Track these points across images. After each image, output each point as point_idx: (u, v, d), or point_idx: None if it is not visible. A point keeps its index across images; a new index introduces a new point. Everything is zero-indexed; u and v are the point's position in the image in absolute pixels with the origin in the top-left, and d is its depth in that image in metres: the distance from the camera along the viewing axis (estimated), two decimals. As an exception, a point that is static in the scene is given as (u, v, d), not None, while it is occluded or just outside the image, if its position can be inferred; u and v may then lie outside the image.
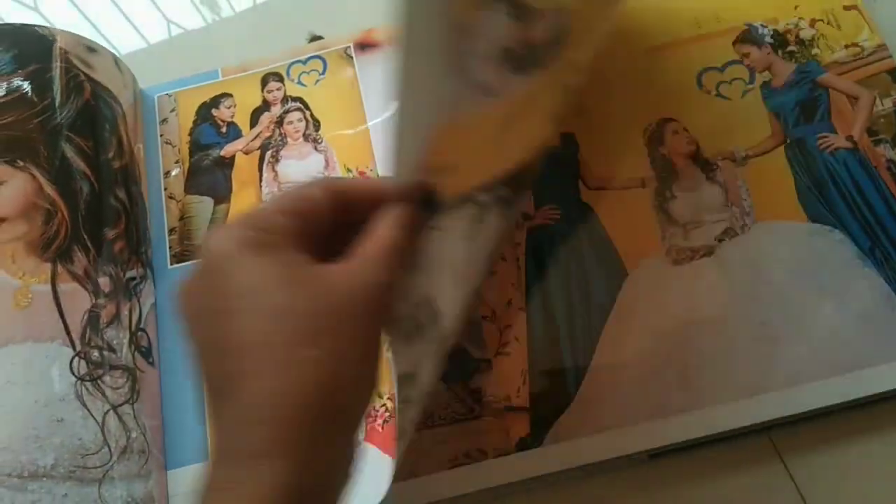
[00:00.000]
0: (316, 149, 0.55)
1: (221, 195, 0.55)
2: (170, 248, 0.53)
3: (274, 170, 0.55)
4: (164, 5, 0.66)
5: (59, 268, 0.47)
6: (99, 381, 0.45)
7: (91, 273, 0.48)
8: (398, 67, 0.26)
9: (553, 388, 0.46)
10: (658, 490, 0.44)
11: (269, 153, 0.56)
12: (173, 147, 0.56)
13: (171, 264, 0.52)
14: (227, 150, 0.56)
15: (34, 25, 0.53)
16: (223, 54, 0.60)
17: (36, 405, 0.43)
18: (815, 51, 0.53)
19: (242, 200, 0.54)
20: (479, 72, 0.29)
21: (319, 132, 0.56)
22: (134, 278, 0.50)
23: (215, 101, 0.58)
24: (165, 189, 0.55)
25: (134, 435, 0.45)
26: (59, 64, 0.52)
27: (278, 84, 0.58)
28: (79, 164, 0.50)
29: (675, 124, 0.52)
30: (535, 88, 0.34)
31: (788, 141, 0.51)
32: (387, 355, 0.32)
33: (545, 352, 0.47)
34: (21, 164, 0.48)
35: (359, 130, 0.55)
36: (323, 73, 0.58)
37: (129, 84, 0.56)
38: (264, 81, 0.58)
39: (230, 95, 0.58)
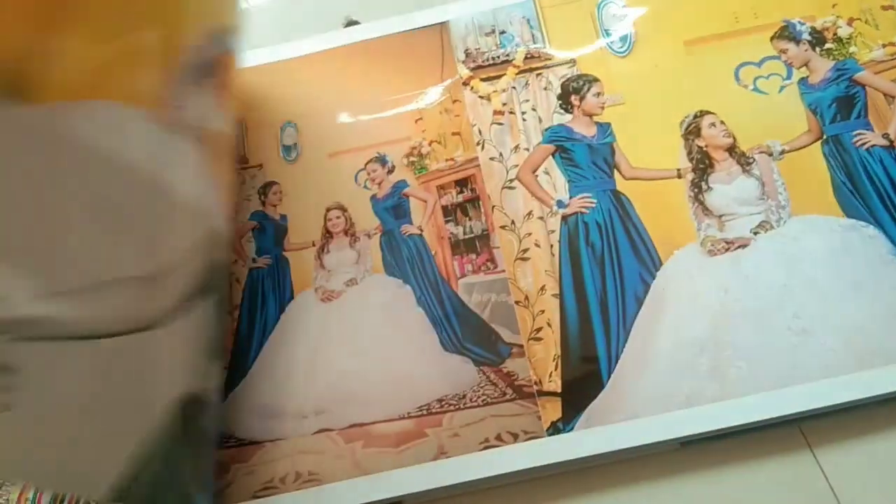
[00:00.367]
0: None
1: None
2: None
3: None
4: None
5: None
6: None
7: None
8: None
9: (586, 374, 0.46)
10: (688, 478, 0.45)
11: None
12: None
13: None
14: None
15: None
16: (253, 41, 0.61)
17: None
18: (852, 49, 0.53)
19: None
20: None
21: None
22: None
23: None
24: None
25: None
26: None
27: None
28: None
29: (713, 117, 0.52)
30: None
31: (825, 137, 0.51)
32: None
33: (578, 338, 0.47)
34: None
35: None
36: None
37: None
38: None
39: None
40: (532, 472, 0.45)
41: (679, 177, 0.51)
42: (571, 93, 0.54)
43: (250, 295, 0.53)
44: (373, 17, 0.60)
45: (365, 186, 0.55)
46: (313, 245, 0.54)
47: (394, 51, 0.58)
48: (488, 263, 0.51)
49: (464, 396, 0.47)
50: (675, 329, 0.47)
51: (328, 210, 0.54)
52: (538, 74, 0.56)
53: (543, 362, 0.47)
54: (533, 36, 0.57)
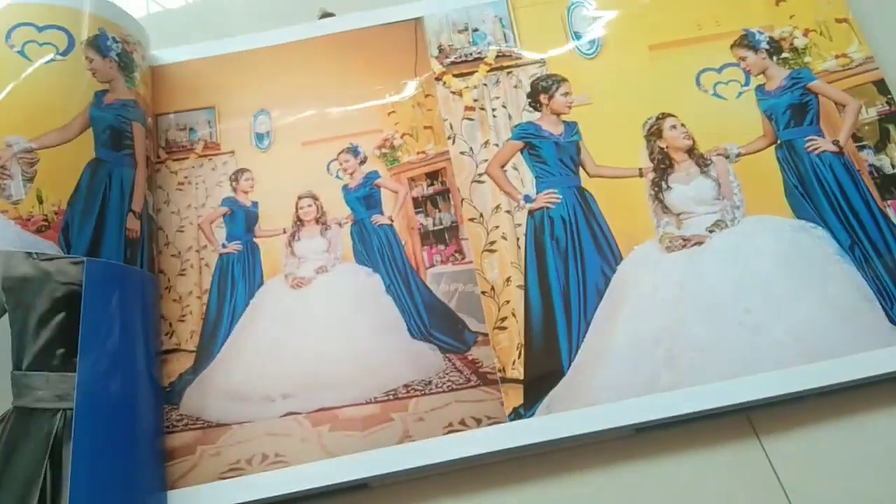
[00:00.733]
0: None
1: None
2: None
3: None
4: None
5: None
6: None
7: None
8: None
9: (547, 362, 0.48)
10: (642, 463, 0.47)
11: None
12: None
13: None
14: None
15: None
16: (228, 29, 0.61)
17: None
18: (807, 59, 0.56)
19: None
20: None
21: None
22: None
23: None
24: None
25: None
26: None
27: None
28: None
29: (674, 119, 0.54)
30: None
31: (779, 142, 0.53)
32: None
33: (541, 328, 0.49)
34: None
35: None
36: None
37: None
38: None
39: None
40: (494, 455, 0.46)
41: (641, 176, 0.53)
42: (540, 92, 0.56)
43: (220, 280, 0.53)
44: (348, 10, 0.61)
45: (337, 176, 0.56)
46: (284, 232, 0.55)
47: (369, 44, 0.59)
48: (456, 254, 0.53)
49: (429, 382, 0.48)
50: (632, 321, 0.49)
51: (300, 198, 0.55)
52: (509, 73, 0.57)
53: (507, 350, 0.49)
54: (504, 35, 0.59)
